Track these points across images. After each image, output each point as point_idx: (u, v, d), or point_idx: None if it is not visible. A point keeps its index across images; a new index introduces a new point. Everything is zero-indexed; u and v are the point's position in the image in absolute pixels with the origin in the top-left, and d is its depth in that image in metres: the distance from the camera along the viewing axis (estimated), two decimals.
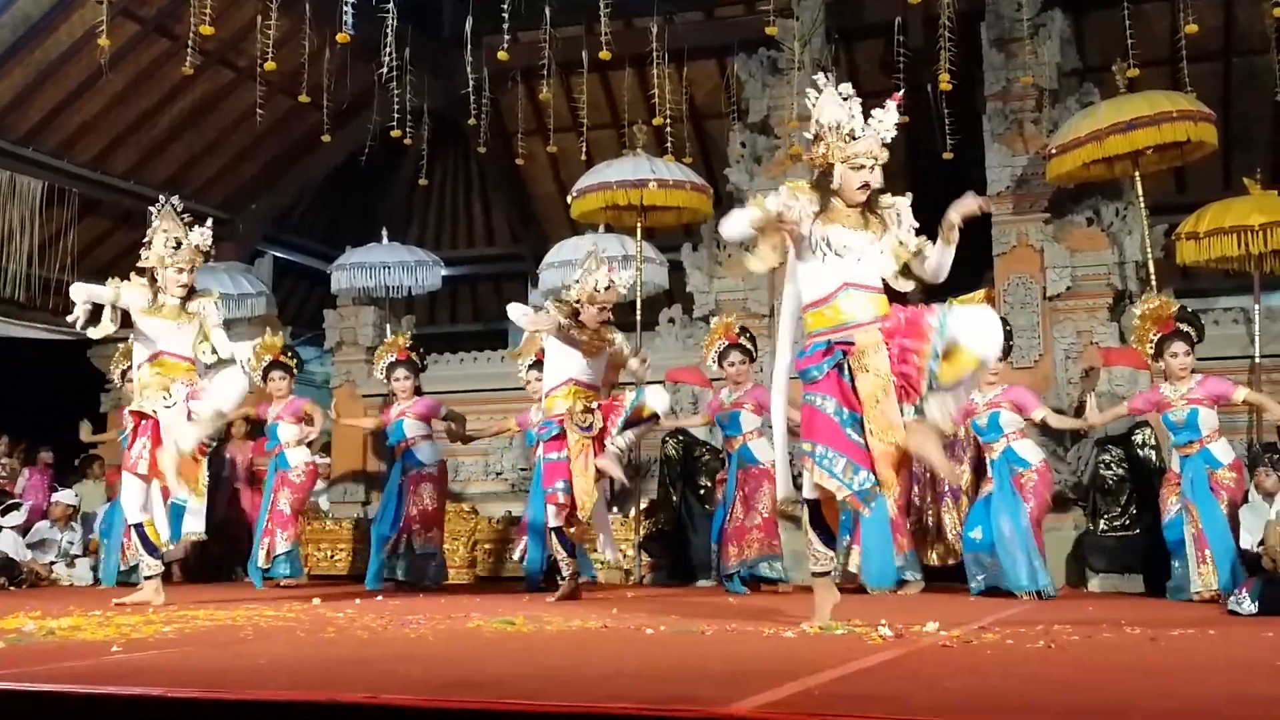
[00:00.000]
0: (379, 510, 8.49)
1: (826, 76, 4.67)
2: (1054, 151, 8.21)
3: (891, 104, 4.50)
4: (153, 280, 6.20)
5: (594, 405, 6.40)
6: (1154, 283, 7.96)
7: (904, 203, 4.54)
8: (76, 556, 9.30)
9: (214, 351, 6.23)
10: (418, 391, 8.43)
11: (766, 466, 7.33)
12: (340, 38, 8.26)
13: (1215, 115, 8.01)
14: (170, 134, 11.41)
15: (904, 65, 8.54)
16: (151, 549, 6.20)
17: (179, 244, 6.20)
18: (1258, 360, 8.02)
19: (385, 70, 8.23)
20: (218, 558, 9.18)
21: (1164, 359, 6.66)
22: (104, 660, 3.44)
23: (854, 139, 4.42)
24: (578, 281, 6.50)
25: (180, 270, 6.18)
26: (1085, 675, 3.10)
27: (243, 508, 9.41)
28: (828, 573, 4.62)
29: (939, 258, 4.44)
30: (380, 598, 6.93)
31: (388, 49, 8.16)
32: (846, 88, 4.51)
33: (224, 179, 12.30)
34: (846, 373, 4.37)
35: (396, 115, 8.89)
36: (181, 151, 11.69)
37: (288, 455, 8.38)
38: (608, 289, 6.39)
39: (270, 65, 8.22)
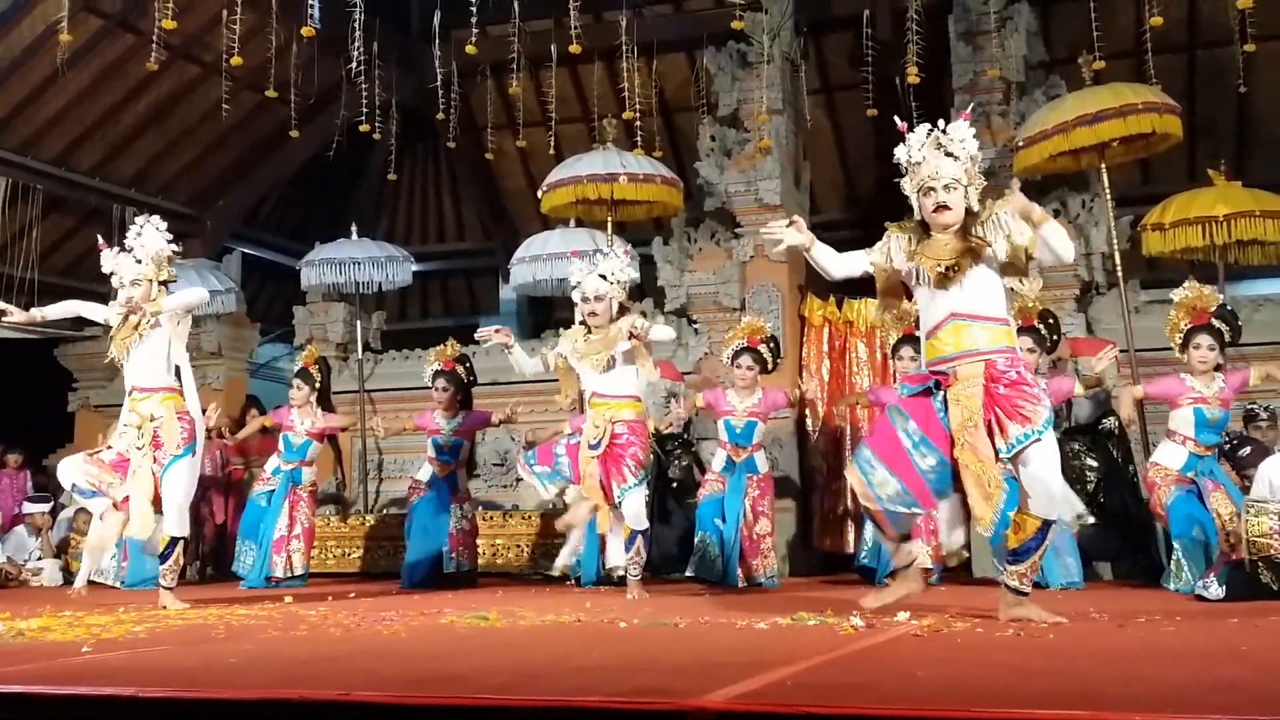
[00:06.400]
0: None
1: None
2: (1021, 144, 8.26)
3: (961, 121, 4.38)
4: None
5: (603, 424, 6.14)
6: (1120, 274, 8.03)
7: (1001, 204, 4.31)
8: (39, 559, 9.24)
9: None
10: (461, 405, 8.03)
11: (767, 473, 7.50)
12: (306, 31, 8.21)
13: (1180, 107, 8.08)
14: (136, 130, 11.30)
15: (872, 58, 8.57)
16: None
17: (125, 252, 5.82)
18: None
19: (353, 65, 8.19)
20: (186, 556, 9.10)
21: (1188, 350, 6.48)
22: (74, 660, 3.41)
23: (917, 165, 4.35)
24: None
25: (123, 284, 5.78)
26: (1054, 662, 3.13)
27: (212, 507, 9.34)
28: (903, 567, 4.51)
29: (1047, 240, 4.23)
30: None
31: (355, 43, 8.11)
32: (923, 129, 4.39)
33: (191, 175, 12.19)
34: (940, 402, 4.28)
35: (365, 110, 8.82)
36: (147, 148, 11.58)
37: (305, 472, 8.19)
38: (596, 296, 6.18)
39: (236, 60, 8.14)
